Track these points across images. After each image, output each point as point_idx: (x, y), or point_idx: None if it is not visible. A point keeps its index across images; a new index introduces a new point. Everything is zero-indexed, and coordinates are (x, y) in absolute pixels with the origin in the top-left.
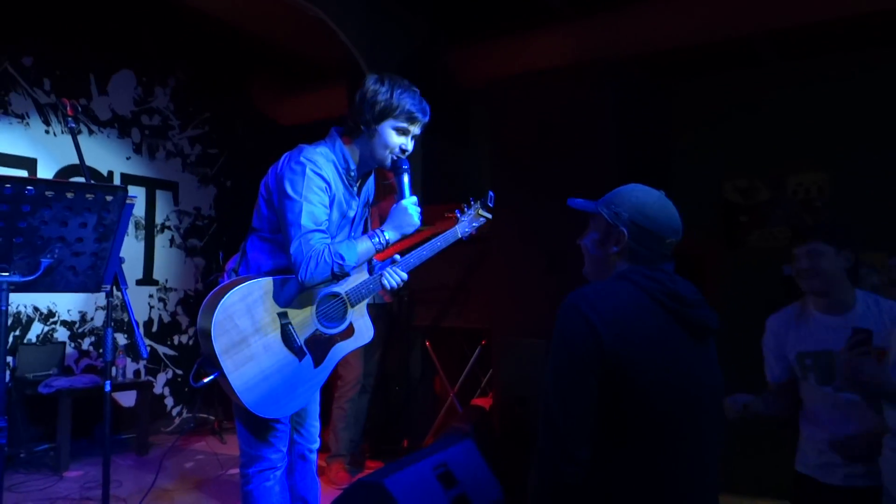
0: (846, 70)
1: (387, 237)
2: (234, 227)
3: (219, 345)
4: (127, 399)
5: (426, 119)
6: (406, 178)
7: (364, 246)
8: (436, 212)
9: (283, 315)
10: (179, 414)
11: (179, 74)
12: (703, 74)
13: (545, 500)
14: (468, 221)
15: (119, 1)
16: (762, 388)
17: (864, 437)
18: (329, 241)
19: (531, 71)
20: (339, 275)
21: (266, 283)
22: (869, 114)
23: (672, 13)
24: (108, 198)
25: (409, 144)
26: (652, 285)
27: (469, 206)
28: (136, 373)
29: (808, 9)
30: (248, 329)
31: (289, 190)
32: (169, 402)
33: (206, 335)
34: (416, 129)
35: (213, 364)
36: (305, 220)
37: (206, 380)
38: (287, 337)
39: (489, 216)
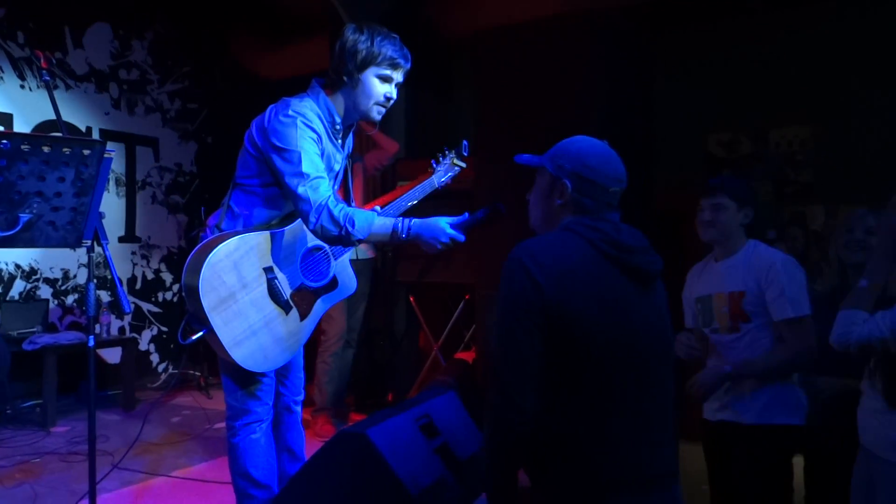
0: (830, 21)
1: (409, 228)
2: (217, 182)
3: (207, 301)
4: (112, 356)
5: (408, 65)
6: (477, 219)
7: (381, 222)
8: (419, 166)
9: (269, 269)
10: (165, 370)
11: (157, 27)
12: (687, 24)
13: (496, 450)
14: (443, 171)
15: None
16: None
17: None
18: (331, 187)
19: (516, 22)
20: (344, 240)
21: (251, 237)
22: (852, 67)
23: None
24: (86, 152)
25: (394, 92)
26: (594, 235)
27: (444, 156)
28: (121, 329)
29: None
30: (235, 285)
31: (283, 143)
32: (154, 358)
33: (194, 292)
34: (399, 77)
35: (200, 321)
36: (307, 168)
37: (194, 337)
38: (273, 291)
39: (464, 165)
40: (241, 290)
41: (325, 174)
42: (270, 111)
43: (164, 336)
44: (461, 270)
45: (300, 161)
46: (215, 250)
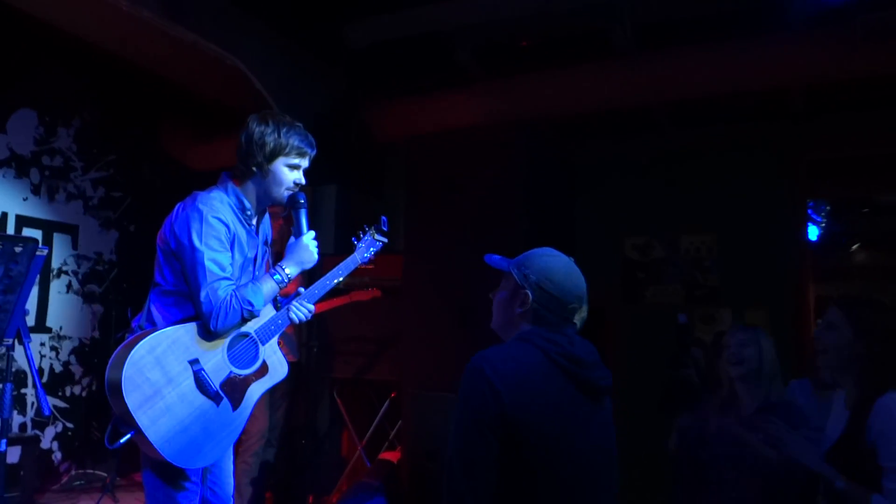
0: (731, 139)
1: (288, 273)
2: (136, 272)
3: (131, 401)
4: (11, 455)
5: (314, 152)
6: (304, 213)
7: (268, 286)
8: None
9: (194, 362)
10: (68, 470)
11: (85, 115)
12: (605, 137)
13: None
14: (365, 247)
15: (21, 36)
16: (653, 441)
17: None
18: (234, 286)
19: (446, 129)
20: (249, 318)
21: (172, 331)
22: (750, 181)
23: (577, 82)
24: (18, 249)
25: (302, 178)
26: (550, 347)
27: (364, 233)
28: (22, 426)
29: (697, 85)
30: (160, 381)
31: (189, 239)
32: (57, 457)
33: (117, 392)
34: (305, 163)
35: (127, 422)
36: (210, 268)
37: (122, 440)
38: (201, 383)
39: (385, 240)
40: (166, 385)
41: (228, 273)
42: (179, 207)
43: (70, 434)
44: (388, 367)
45: (203, 260)
46: (136, 347)
